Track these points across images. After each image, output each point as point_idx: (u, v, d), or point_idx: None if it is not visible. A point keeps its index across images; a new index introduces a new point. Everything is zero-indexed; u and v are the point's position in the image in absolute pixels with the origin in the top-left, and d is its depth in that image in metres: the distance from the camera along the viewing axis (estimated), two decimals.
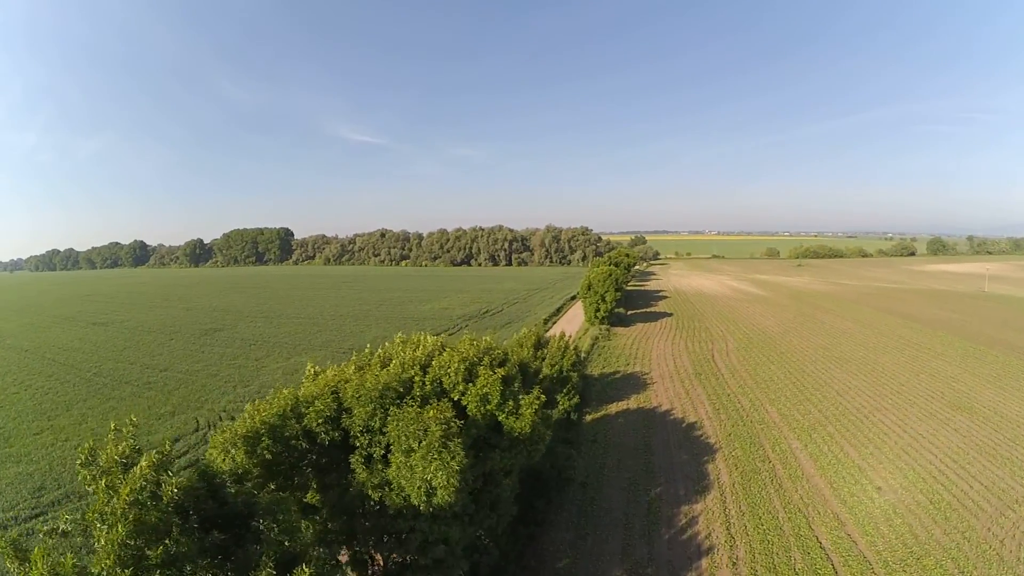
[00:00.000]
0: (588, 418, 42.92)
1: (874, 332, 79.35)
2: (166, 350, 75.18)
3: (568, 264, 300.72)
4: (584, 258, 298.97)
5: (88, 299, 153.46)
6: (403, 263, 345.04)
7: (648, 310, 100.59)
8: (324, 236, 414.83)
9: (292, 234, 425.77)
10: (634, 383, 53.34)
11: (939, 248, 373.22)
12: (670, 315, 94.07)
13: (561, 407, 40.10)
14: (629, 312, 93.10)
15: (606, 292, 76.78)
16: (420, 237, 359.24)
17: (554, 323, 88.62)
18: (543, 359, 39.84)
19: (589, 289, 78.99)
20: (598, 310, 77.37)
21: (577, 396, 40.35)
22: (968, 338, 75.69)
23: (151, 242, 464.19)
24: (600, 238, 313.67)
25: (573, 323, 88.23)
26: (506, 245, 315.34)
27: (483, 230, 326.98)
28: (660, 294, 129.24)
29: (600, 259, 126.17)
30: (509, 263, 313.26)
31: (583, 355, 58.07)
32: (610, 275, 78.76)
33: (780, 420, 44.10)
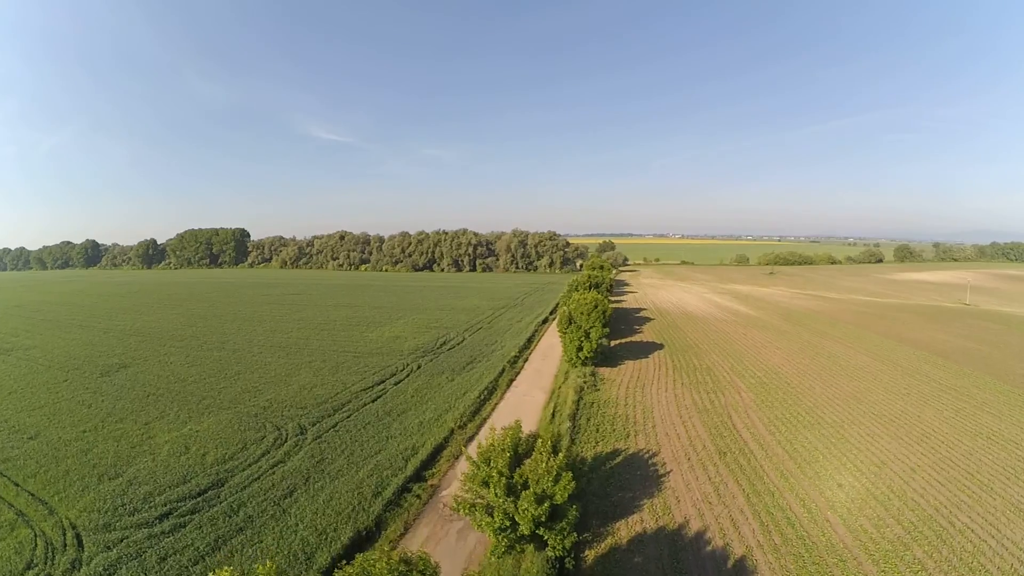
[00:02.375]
0: (588, 556, 29.10)
1: (897, 371, 68.21)
2: (51, 399, 59.31)
3: (535, 270, 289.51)
4: (551, 264, 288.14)
5: (13, 312, 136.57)
6: (362, 267, 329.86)
7: (633, 339, 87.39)
8: (281, 238, 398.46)
9: (248, 235, 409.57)
10: (642, 473, 39.72)
11: (906, 255, 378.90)
12: (660, 347, 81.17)
13: (552, 550, 26.42)
14: (613, 343, 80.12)
15: (591, 327, 62.49)
16: (381, 240, 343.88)
17: (526, 360, 74.13)
18: (523, 483, 26.04)
19: (570, 323, 64.42)
20: (581, 349, 63.12)
21: (574, 533, 26.71)
22: (999, 377, 65.64)
23: (105, 241, 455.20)
24: (568, 243, 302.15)
25: (549, 359, 74.39)
26: (470, 250, 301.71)
27: (446, 234, 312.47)
28: (641, 314, 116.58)
29: (578, 277, 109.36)
30: (473, 268, 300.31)
31: (569, 432, 44.59)
32: (596, 305, 64.42)
33: (854, 543, 31.26)
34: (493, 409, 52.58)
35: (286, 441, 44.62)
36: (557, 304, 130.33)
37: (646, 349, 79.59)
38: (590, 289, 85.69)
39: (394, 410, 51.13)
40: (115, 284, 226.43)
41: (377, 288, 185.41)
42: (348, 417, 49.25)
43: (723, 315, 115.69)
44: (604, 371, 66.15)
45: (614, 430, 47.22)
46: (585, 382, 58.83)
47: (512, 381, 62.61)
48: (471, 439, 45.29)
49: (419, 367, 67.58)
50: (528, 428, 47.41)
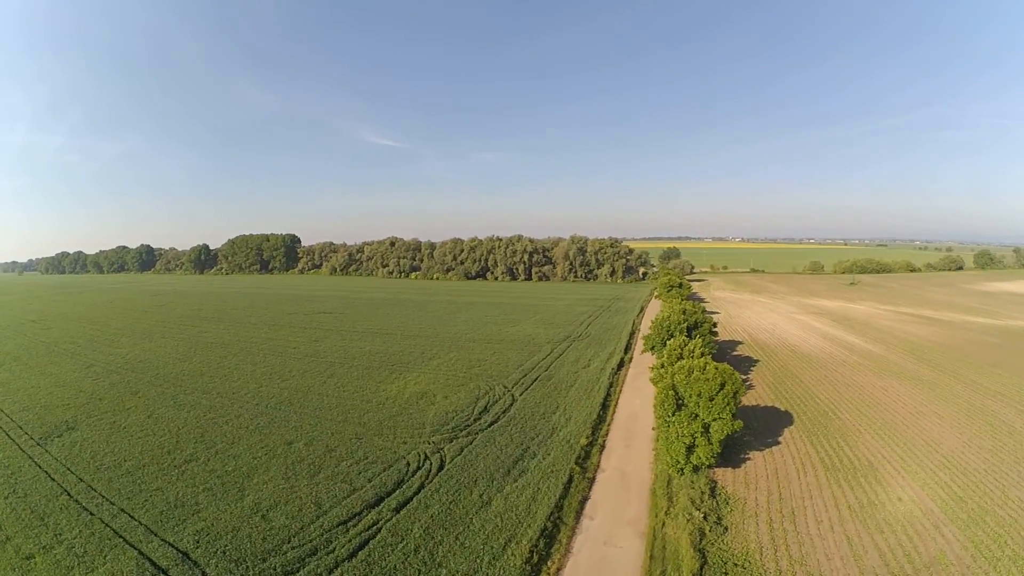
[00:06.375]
0: None
1: None
2: None
3: (594, 279, 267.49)
4: (613, 273, 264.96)
5: (25, 328, 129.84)
6: (413, 275, 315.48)
7: (747, 403, 61.63)
8: (331, 244, 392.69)
9: (299, 241, 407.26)
10: None
11: (987, 262, 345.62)
12: (788, 418, 57.02)
13: None
14: None
15: (714, 420, 39.36)
16: (432, 247, 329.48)
17: (602, 446, 50.10)
18: None
19: (679, 408, 41.01)
20: (693, 449, 39.55)
21: None
22: None
23: (163, 246, 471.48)
24: (631, 250, 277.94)
25: (635, 446, 50.85)
26: (525, 257, 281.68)
27: (500, 240, 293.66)
28: (739, 351, 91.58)
29: (669, 314, 72.71)
30: (529, 277, 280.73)
31: None
32: (723, 384, 40.31)
33: None
34: None
35: None
36: (632, 333, 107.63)
37: (770, 422, 55.72)
38: (690, 334, 61.68)
39: None
40: (149, 295, 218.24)
41: (419, 305, 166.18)
42: None
43: (837, 351, 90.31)
44: (724, 477, 42.85)
45: None
46: (705, 514, 35.82)
47: (584, 502, 39.60)
48: None
49: (441, 465, 44.96)
50: None
